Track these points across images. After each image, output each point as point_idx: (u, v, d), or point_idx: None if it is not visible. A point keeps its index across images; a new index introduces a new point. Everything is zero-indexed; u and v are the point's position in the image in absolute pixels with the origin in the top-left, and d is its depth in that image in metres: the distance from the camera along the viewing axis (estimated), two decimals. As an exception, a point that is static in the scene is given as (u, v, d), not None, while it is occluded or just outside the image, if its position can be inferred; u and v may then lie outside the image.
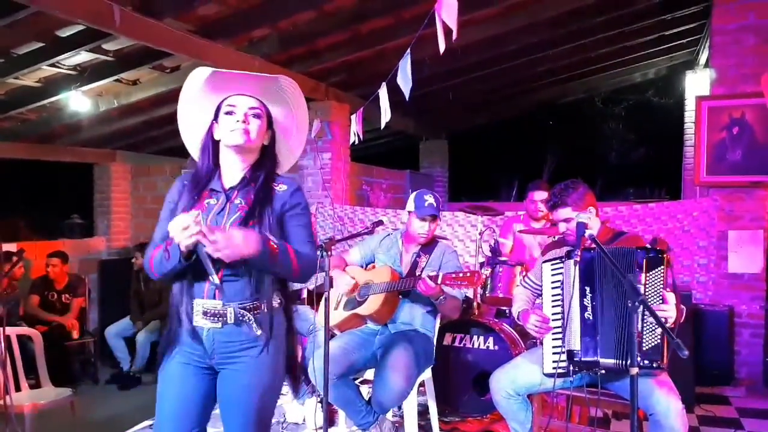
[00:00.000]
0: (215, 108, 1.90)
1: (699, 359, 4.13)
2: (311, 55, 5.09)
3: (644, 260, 2.37)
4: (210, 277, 1.74)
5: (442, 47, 2.80)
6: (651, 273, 2.36)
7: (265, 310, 1.86)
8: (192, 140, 1.99)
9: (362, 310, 3.13)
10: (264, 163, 1.93)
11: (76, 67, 4.64)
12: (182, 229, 1.68)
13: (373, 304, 3.09)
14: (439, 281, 2.76)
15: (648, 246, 2.47)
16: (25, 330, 3.75)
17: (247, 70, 5.06)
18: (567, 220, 2.65)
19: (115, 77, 4.69)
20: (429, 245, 3.25)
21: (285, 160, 2.02)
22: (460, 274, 2.71)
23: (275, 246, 1.77)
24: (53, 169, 8.18)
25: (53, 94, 4.96)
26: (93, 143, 6.74)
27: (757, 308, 4.41)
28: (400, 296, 3.16)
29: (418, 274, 3.10)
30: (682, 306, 2.48)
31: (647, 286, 2.36)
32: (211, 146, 1.92)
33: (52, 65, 4.45)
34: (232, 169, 1.91)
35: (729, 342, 4.40)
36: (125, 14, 3.60)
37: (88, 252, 6.69)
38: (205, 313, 1.83)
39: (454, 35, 2.71)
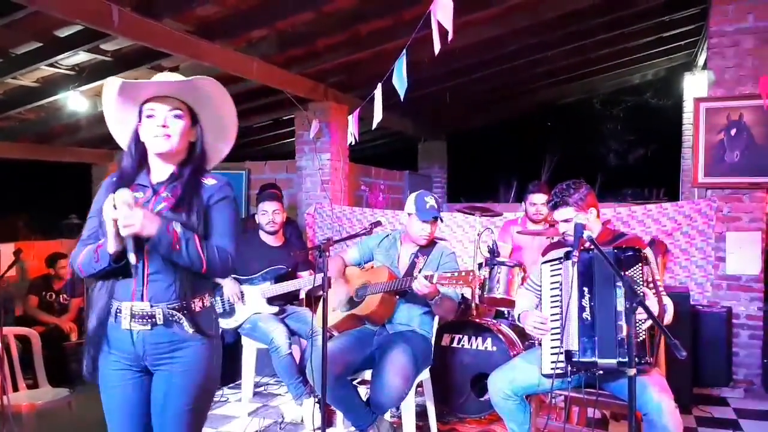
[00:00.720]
0: (138, 110, 1.91)
1: (697, 360, 4.13)
2: (310, 56, 5.09)
3: (622, 259, 2.38)
4: (129, 255, 1.74)
5: (437, 48, 2.80)
6: (629, 272, 2.37)
7: (195, 309, 1.86)
8: (124, 141, 1.99)
9: (359, 311, 3.13)
10: (192, 159, 1.94)
11: (75, 67, 4.63)
12: (116, 204, 1.69)
13: (370, 304, 3.09)
14: (434, 281, 2.75)
15: (627, 246, 2.48)
16: (22, 330, 3.73)
17: (245, 70, 5.09)
18: (568, 221, 2.65)
19: (114, 77, 4.68)
20: (427, 246, 3.25)
21: (214, 155, 2.02)
22: (455, 273, 2.71)
23: (177, 233, 1.76)
24: (51, 169, 8.17)
25: (51, 94, 4.95)
26: (91, 143, 6.73)
27: (755, 309, 4.41)
28: (397, 297, 3.16)
29: (415, 274, 3.09)
30: (666, 303, 2.48)
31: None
32: (138, 147, 1.92)
33: (51, 65, 4.44)
34: (161, 168, 1.92)
35: (727, 343, 4.40)
36: (124, 14, 3.60)
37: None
38: (133, 316, 1.82)
39: (450, 36, 2.71)
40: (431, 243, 3.27)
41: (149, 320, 1.83)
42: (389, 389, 2.84)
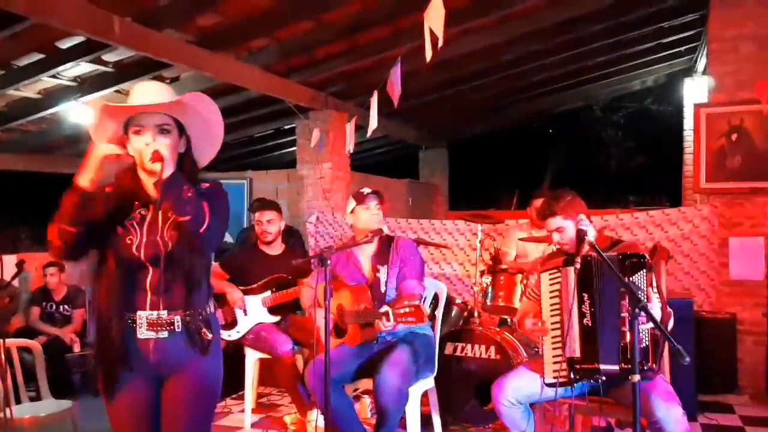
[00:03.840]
0: (122, 125, 1.82)
1: (701, 367, 4.10)
2: (310, 65, 5.11)
3: (626, 265, 2.38)
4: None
5: (428, 56, 2.80)
6: (634, 277, 2.37)
7: (205, 315, 1.89)
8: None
9: (351, 341, 3.12)
10: (183, 170, 1.84)
11: (76, 79, 4.66)
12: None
13: (355, 334, 3.07)
14: (391, 320, 2.71)
15: (630, 253, 2.46)
16: (25, 342, 3.72)
17: (246, 80, 5.10)
18: (558, 230, 2.68)
19: (115, 88, 4.70)
20: (383, 251, 3.21)
21: (200, 160, 1.96)
22: (406, 310, 2.68)
23: None
24: (53, 181, 8.18)
25: (53, 105, 4.97)
26: (93, 154, 6.74)
27: (759, 315, 4.39)
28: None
29: (383, 290, 3.12)
30: (669, 310, 2.48)
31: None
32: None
33: (53, 76, 4.46)
34: (152, 182, 1.84)
35: (731, 350, 4.38)
36: (125, 25, 3.62)
37: (87, 263, 6.67)
38: (151, 325, 1.82)
39: (440, 43, 2.70)
40: (386, 244, 3.24)
41: (167, 328, 1.83)
42: (389, 384, 2.79)
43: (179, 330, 1.84)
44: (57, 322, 5.14)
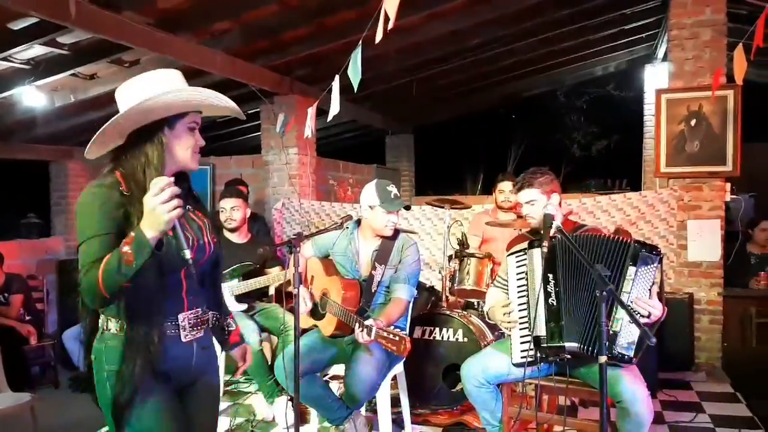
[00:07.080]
0: (167, 113, 1.65)
1: (661, 346, 4.24)
2: (275, 49, 5.02)
3: (639, 255, 2.37)
4: (182, 253, 1.55)
5: (378, 37, 2.79)
6: (643, 269, 2.37)
7: (219, 314, 1.94)
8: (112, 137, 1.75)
9: (323, 329, 3.10)
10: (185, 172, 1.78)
11: (30, 61, 4.47)
12: (161, 190, 1.45)
13: (330, 324, 3.04)
14: (372, 336, 2.64)
15: (647, 242, 2.47)
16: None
17: (209, 64, 4.96)
18: (530, 202, 2.70)
19: (71, 71, 4.54)
20: (386, 245, 3.11)
21: None
22: (391, 336, 2.60)
23: None
24: (8, 168, 7.90)
25: (6, 89, 4.77)
26: (49, 140, 6.53)
27: (715, 295, 4.55)
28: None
29: (374, 289, 3.06)
30: (665, 307, 2.52)
31: (636, 280, 2.37)
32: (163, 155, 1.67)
33: (4, 59, 4.27)
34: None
35: (689, 328, 4.53)
36: (81, 6, 3.49)
37: (45, 252, 6.48)
38: (192, 325, 1.75)
39: (391, 23, 2.70)
40: (390, 237, 3.13)
41: (203, 325, 1.80)
42: (362, 380, 2.82)
43: (210, 326, 1.86)
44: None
